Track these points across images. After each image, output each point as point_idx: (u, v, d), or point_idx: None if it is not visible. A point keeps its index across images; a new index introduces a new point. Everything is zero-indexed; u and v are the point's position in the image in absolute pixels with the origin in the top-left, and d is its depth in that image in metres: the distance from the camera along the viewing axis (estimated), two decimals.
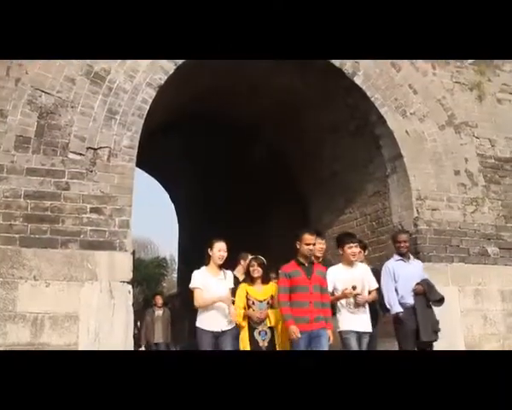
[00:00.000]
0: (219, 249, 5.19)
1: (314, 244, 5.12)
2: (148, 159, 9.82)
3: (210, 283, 5.14)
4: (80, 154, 5.34)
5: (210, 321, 5.06)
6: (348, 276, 5.24)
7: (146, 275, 26.63)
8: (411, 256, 5.89)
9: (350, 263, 5.35)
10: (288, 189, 9.64)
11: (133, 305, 5.41)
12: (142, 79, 5.78)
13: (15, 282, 4.88)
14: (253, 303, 5.28)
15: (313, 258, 5.28)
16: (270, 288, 5.41)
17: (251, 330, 5.22)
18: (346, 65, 6.75)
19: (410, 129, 6.98)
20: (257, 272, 5.34)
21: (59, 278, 5.02)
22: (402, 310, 5.42)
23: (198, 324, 5.12)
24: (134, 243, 6.51)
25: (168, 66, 5.92)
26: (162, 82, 5.88)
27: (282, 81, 7.50)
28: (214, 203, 12.18)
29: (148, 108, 5.76)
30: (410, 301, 5.48)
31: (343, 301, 5.19)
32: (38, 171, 5.15)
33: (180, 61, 5.94)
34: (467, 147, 7.26)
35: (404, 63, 7.16)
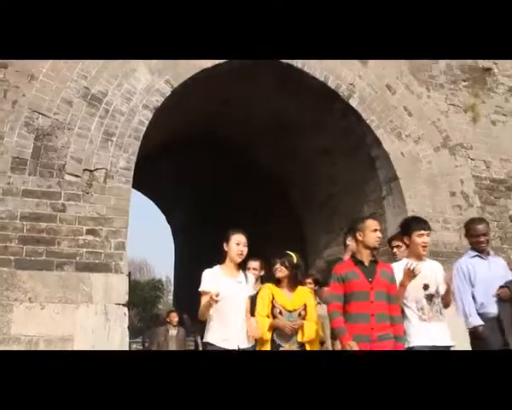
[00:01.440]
0: (237, 242, 4.06)
1: (381, 230, 3.98)
2: (145, 181, 9.83)
3: (225, 286, 3.91)
4: (76, 175, 5.34)
5: (223, 336, 3.85)
6: (417, 273, 3.89)
7: (142, 297, 26.47)
8: (491, 252, 4.71)
9: (419, 257, 4.03)
10: (287, 211, 9.64)
11: (129, 328, 5.36)
12: (138, 101, 5.81)
13: (10, 304, 4.83)
14: (280, 313, 4.07)
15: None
16: (303, 295, 4.22)
17: (274, 348, 4.00)
18: (342, 87, 6.82)
19: (406, 151, 7.02)
20: (279, 271, 4.18)
21: (54, 301, 4.97)
22: (482, 323, 4.20)
23: (208, 338, 3.91)
24: (130, 265, 6.47)
25: (165, 88, 5.96)
26: (159, 104, 5.91)
27: (277, 104, 7.56)
28: (212, 226, 12.14)
29: (144, 129, 5.78)
30: (493, 309, 4.26)
31: (413, 306, 3.89)
32: (34, 192, 5.14)
33: (176, 84, 5.99)
34: (462, 168, 7.30)
35: (399, 86, 7.24)
